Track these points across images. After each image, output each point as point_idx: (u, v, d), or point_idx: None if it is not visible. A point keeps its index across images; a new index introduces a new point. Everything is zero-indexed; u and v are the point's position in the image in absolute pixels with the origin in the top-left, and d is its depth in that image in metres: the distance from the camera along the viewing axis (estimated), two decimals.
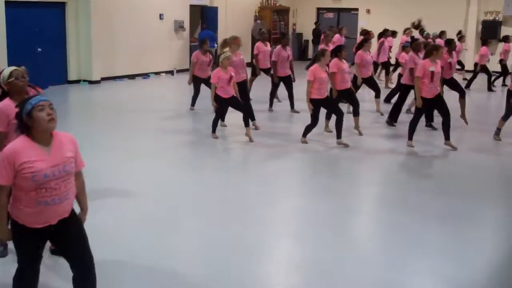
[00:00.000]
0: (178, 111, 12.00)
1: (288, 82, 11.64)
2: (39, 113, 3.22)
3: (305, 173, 7.93)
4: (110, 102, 13.20)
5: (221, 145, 9.21)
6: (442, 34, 16.19)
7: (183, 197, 6.57)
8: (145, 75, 16.97)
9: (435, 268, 4.83)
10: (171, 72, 17.79)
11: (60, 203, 3.32)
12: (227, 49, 9.74)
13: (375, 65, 14.38)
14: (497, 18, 19.82)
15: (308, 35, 22.29)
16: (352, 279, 4.56)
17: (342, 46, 9.90)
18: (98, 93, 14.48)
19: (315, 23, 21.81)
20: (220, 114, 9.45)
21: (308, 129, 9.12)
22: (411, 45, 11.21)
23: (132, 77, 16.56)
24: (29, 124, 3.25)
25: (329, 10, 23.21)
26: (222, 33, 19.59)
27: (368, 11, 21.98)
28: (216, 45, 17.94)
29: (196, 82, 11.54)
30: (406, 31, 16.78)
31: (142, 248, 5.04)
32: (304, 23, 23.18)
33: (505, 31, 18.89)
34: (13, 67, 4.63)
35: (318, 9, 23.36)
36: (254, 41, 20.34)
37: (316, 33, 21.02)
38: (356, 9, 22.46)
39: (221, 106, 9.09)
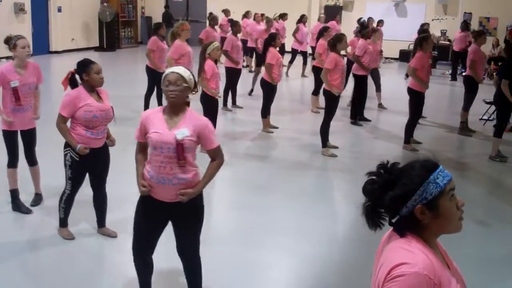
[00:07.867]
0: None
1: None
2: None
3: None
4: None
5: None
6: (283, 16, 16.52)
7: None
8: None
9: (289, 244, 5.08)
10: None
11: None
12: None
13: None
14: (337, 3, 20.93)
15: (157, 19, 21.86)
16: (215, 259, 4.60)
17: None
18: None
19: (165, 7, 21.54)
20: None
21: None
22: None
23: None
24: None
25: None
26: (67, 16, 18.79)
27: None
28: None
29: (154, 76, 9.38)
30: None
31: None
32: (153, 6, 22.80)
33: (345, 15, 20.06)
34: None
35: None
36: (101, 24, 19.71)
37: (166, 17, 20.81)
38: None
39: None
